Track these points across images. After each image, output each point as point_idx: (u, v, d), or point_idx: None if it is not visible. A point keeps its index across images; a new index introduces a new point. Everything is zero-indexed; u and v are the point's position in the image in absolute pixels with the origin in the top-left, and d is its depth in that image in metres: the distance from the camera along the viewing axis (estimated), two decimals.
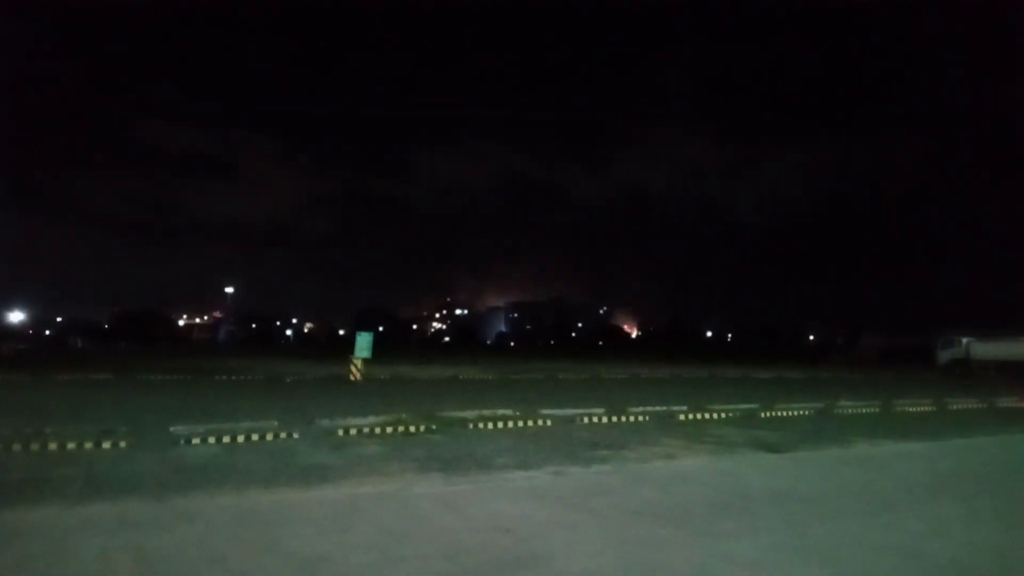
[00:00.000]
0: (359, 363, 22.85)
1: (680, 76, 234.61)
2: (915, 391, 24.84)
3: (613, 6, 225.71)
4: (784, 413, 15.48)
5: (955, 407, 18.82)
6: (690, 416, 14.16)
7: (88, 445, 8.86)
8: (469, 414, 12.81)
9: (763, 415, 15.06)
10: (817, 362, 66.37)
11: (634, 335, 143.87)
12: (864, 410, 17.00)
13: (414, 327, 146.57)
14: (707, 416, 14.29)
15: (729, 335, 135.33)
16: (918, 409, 17.93)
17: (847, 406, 17.39)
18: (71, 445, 8.78)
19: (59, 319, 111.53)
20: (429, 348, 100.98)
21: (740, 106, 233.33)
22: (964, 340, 46.63)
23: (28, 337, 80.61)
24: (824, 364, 63.50)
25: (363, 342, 23.48)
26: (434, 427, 11.48)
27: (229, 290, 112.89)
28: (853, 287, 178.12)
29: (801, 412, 15.87)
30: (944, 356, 48.24)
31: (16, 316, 74.95)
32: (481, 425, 11.91)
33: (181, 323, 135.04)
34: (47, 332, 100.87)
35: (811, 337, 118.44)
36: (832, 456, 10.08)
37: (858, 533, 5.68)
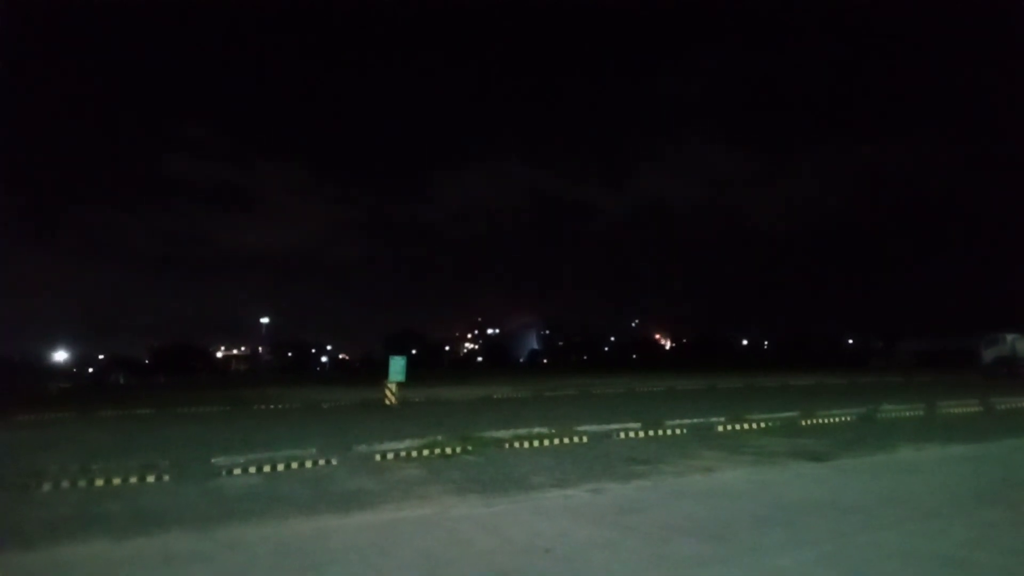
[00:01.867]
0: (393, 387, 23.01)
1: (701, 85, 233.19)
2: (960, 392, 24.16)
3: (628, 17, 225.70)
4: (825, 420, 15.18)
5: (1003, 407, 18.26)
6: (728, 427, 13.97)
7: (132, 479, 9.07)
8: (504, 433, 12.82)
9: (804, 423, 14.78)
10: (856, 368, 64.86)
11: (667, 347, 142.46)
12: (908, 414, 16.60)
13: (446, 348, 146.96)
14: (746, 427, 14.08)
15: (764, 344, 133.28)
16: (964, 411, 17.44)
17: (890, 410, 17.00)
18: (116, 480, 9.00)
19: (100, 357, 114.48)
20: (462, 369, 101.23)
21: (763, 113, 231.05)
22: (1009, 337, 45.24)
23: (72, 375, 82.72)
24: (863, 370, 62.01)
25: (396, 366, 23.69)
26: (470, 448, 11.50)
27: (264, 320, 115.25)
28: (887, 292, 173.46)
29: (843, 419, 15.55)
30: (989, 355, 46.80)
31: (60, 355, 77.15)
32: (517, 444, 11.91)
33: (219, 355, 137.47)
34: (89, 370, 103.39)
35: (850, 342, 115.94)
36: (876, 463, 9.85)
37: (904, 542, 5.54)
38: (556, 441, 12.23)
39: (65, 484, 8.79)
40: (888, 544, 5.50)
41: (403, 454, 10.96)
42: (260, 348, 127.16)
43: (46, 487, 8.67)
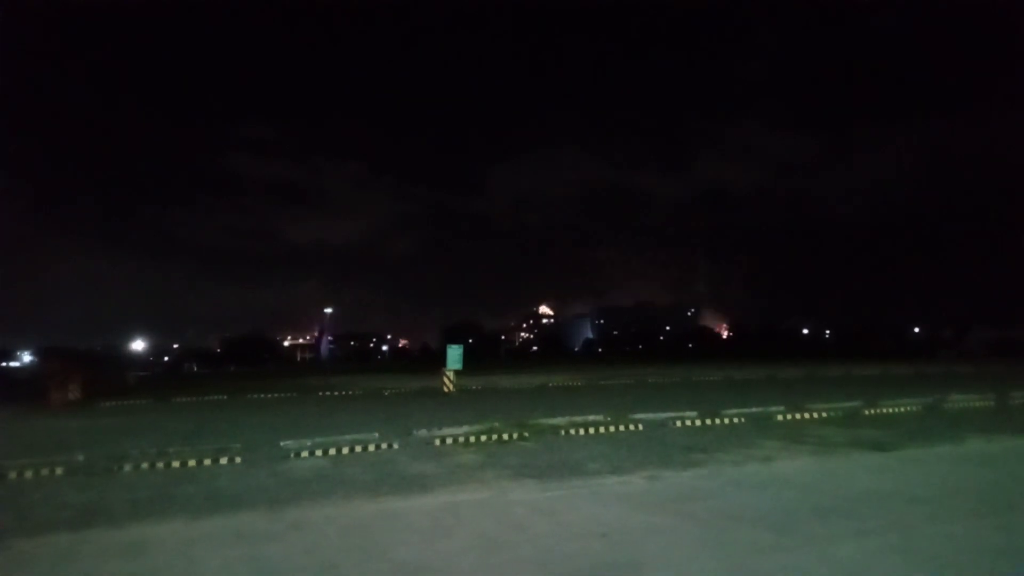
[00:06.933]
0: (451, 375, 23.40)
1: (761, 64, 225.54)
2: None
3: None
4: (890, 410, 14.71)
5: None
6: (788, 417, 13.70)
7: (206, 462, 9.55)
8: (560, 421, 12.91)
9: (867, 413, 14.37)
10: (923, 358, 62.05)
11: (725, 336, 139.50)
12: (977, 404, 15.92)
13: (502, 338, 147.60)
14: (806, 416, 13.79)
15: (827, 333, 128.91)
16: None
17: (958, 400, 16.35)
18: (191, 463, 9.49)
19: (175, 347, 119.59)
20: (517, 358, 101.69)
21: (825, 94, 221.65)
22: None
23: (148, 365, 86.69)
24: (931, 360, 59.24)
25: (454, 355, 24.10)
26: (526, 435, 11.64)
27: (328, 310, 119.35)
28: (958, 278, 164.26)
29: (908, 408, 15.03)
30: None
31: (138, 346, 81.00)
32: (572, 431, 11.98)
33: (286, 344, 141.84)
34: (165, 359, 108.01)
35: (916, 330, 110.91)
36: (943, 454, 9.53)
37: (971, 535, 5.39)
38: (612, 429, 12.25)
39: (145, 467, 9.34)
40: (956, 536, 5.36)
41: (461, 440, 11.19)
42: (323, 337, 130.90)
43: (128, 469, 9.23)
